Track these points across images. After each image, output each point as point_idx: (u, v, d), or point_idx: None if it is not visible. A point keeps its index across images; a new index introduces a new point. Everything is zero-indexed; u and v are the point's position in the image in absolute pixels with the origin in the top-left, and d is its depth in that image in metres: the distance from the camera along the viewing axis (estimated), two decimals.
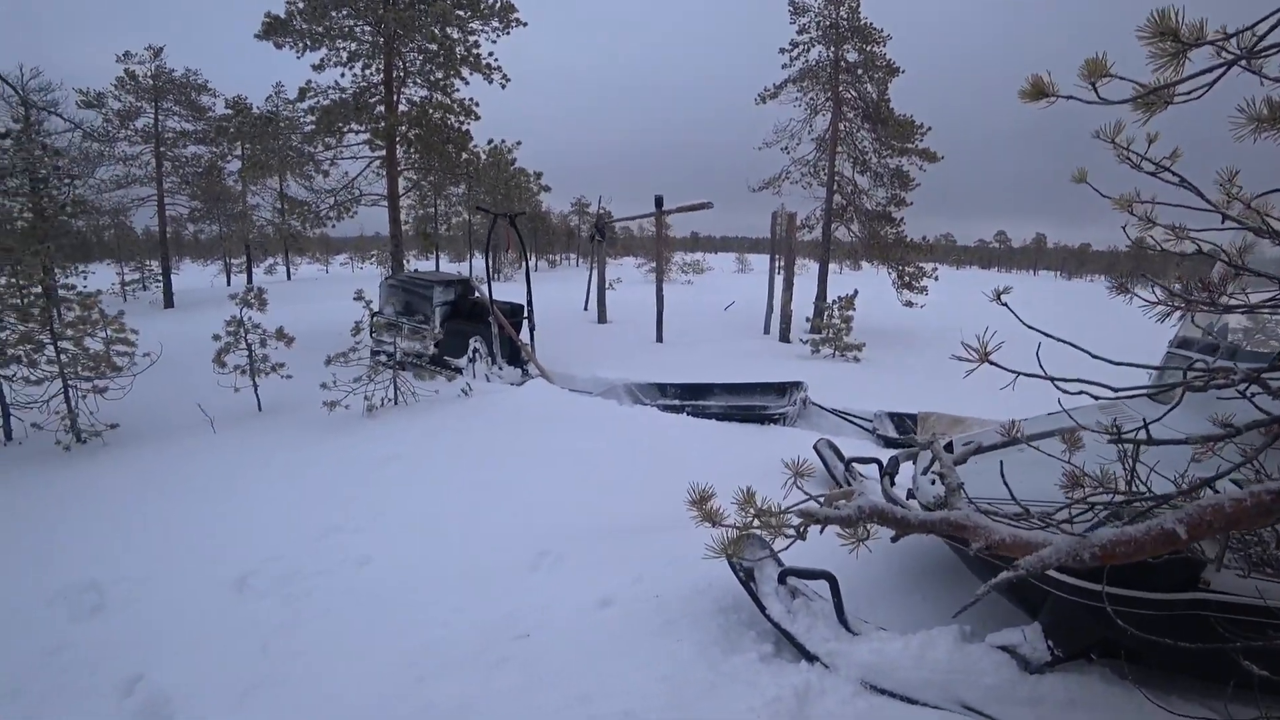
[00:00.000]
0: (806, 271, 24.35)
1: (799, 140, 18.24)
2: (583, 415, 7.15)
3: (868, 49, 17.15)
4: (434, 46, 12.93)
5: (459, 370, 9.41)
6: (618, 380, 9.89)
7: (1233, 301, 1.88)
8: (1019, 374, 1.88)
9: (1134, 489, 2.01)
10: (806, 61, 17.86)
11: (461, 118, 13.74)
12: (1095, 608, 2.30)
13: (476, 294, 11.19)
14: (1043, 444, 2.35)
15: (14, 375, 6.36)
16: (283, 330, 7.69)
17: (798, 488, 1.99)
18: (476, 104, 13.83)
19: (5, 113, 13.56)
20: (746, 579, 3.21)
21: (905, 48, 18.12)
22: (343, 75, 12.97)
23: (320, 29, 12.45)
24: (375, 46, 12.87)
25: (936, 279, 17.91)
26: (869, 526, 1.83)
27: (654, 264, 18.86)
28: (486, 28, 13.43)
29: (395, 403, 7.54)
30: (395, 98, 13.16)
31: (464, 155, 14.00)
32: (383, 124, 12.89)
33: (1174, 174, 1.81)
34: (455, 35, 13.21)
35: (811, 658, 2.88)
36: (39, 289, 6.69)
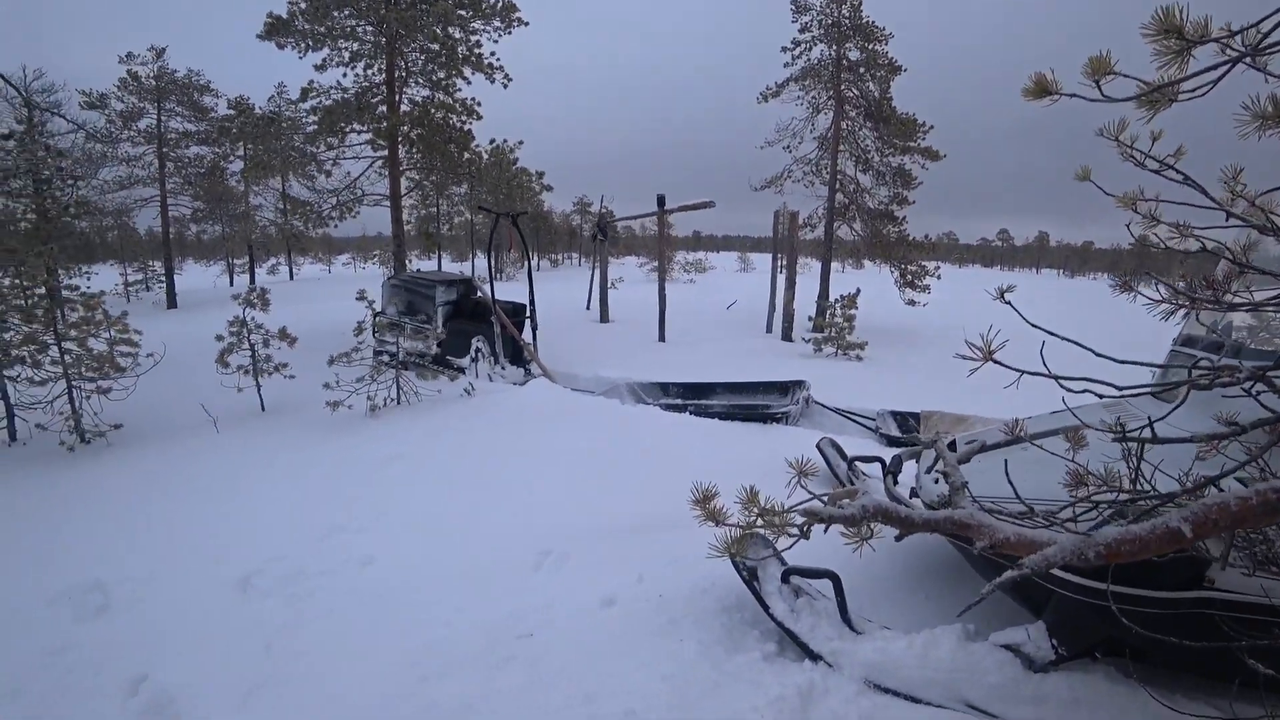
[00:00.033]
0: (809, 270, 24.34)
1: (801, 139, 18.22)
2: (585, 415, 7.15)
3: (870, 47, 17.11)
4: (436, 46, 12.94)
5: (461, 370, 9.41)
6: (620, 379, 9.89)
7: (1237, 299, 1.88)
8: (1023, 373, 1.88)
9: (1138, 488, 2.00)
10: (808, 60, 17.83)
11: (463, 117, 13.75)
12: (1100, 606, 2.30)
13: (479, 293, 11.19)
14: (1046, 442, 2.34)
15: (18, 376, 6.38)
16: (285, 330, 7.71)
17: (802, 487, 1.98)
18: (478, 104, 13.85)
19: (9, 114, 13.61)
20: (750, 578, 3.20)
21: (906, 45, 18.11)
22: (345, 75, 13.00)
23: (322, 29, 12.47)
24: (377, 46, 12.89)
25: (939, 277, 17.87)
26: (873, 526, 1.83)
27: (656, 263, 18.84)
28: (488, 27, 13.44)
29: (398, 402, 7.55)
30: (397, 98, 13.17)
31: (466, 155, 14.01)
32: (385, 124, 12.90)
33: (1178, 172, 1.80)
34: (457, 35, 13.22)
35: (815, 657, 2.88)
36: (43, 290, 6.72)
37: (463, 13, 13.00)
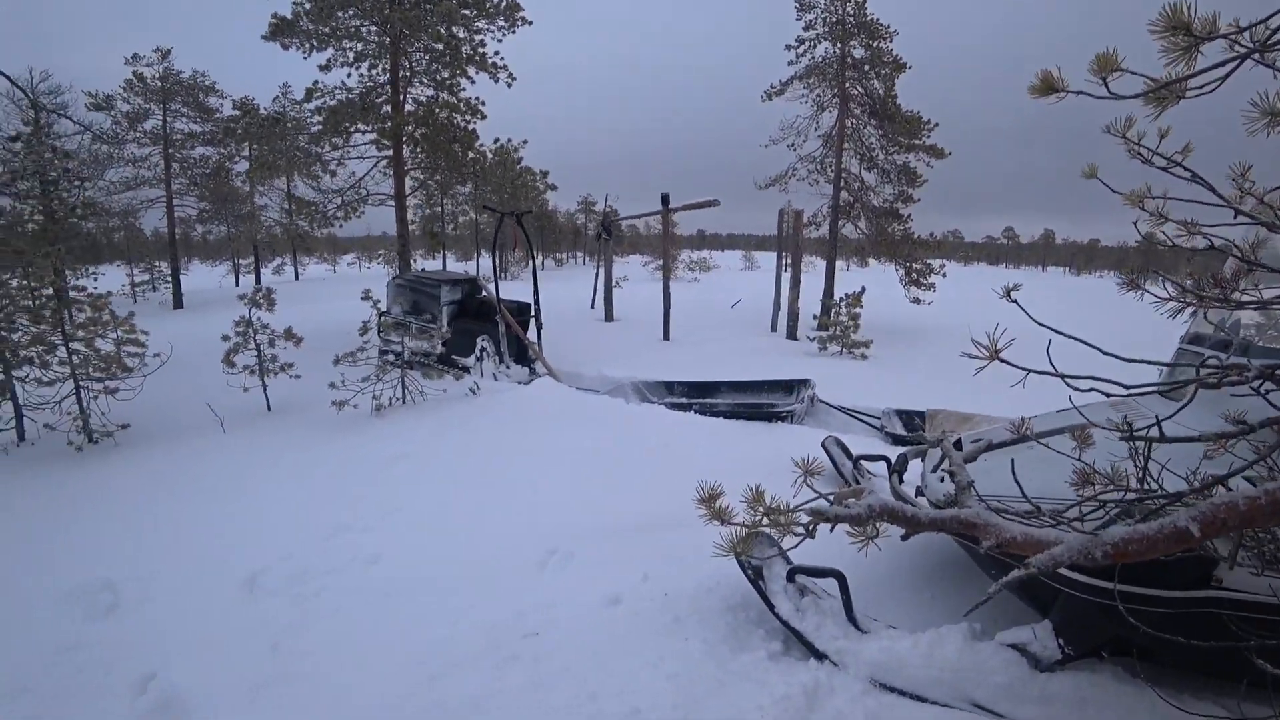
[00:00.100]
0: (814, 269, 24.31)
1: (805, 137, 18.19)
2: (590, 414, 7.16)
3: (874, 45, 17.06)
4: (440, 46, 12.94)
5: (466, 369, 9.44)
6: (625, 378, 9.90)
7: (1245, 297, 1.87)
8: (1029, 371, 1.87)
9: (1146, 487, 2.00)
10: (813, 58, 17.80)
11: (468, 117, 13.76)
12: (1107, 606, 2.29)
13: (484, 293, 11.22)
14: (1053, 441, 2.34)
15: (27, 376, 6.42)
16: (291, 330, 7.73)
17: (807, 486, 1.98)
18: (483, 103, 13.85)
19: (16, 116, 13.69)
20: (755, 577, 3.20)
21: (911, 42, 18.06)
22: (349, 75, 13.01)
23: (327, 29, 12.49)
24: (381, 46, 12.90)
25: (944, 276, 17.81)
26: (878, 525, 1.83)
27: (661, 262, 18.83)
28: (492, 26, 13.44)
29: (403, 402, 7.57)
30: (402, 97, 13.19)
31: (470, 154, 14.02)
32: (389, 124, 12.92)
33: (1186, 169, 1.79)
34: (461, 34, 13.22)
35: (820, 656, 2.87)
36: (50, 291, 6.75)
37: (467, 12, 13.00)
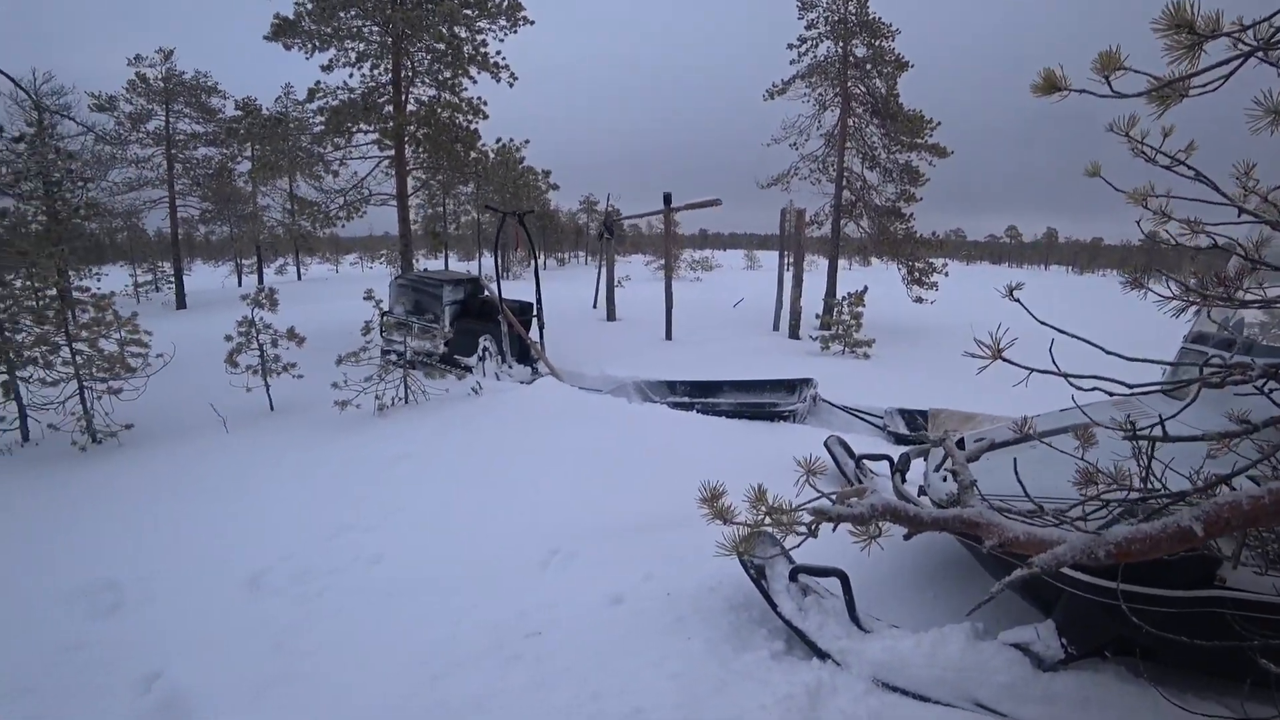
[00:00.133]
0: (816, 268, 24.28)
1: (808, 136, 18.16)
2: (592, 413, 7.16)
3: (876, 44, 17.04)
4: (442, 46, 12.96)
5: (469, 369, 9.45)
6: (627, 378, 9.90)
7: (1249, 296, 1.86)
8: (1032, 370, 1.87)
9: (1149, 486, 1.99)
10: (815, 57, 17.78)
11: (469, 117, 13.77)
12: (1110, 605, 2.29)
13: (486, 293, 11.22)
14: (1056, 440, 2.33)
15: (30, 377, 6.44)
16: (294, 330, 7.74)
17: (810, 485, 1.98)
18: (484, 103, 13.86)
19: (19, 117, 13.73)
20: (758, 576, 3.20)
21: (913, 41, 18.03)
22: (351, 75, 13.03)
23: (328, 30, 12.50)
24: (383, 46, 12.92)
25: (947, 275, 17.79)
26: (881, 524, 1.83)
27: (663, 261, 18.82)
28: (494, 26, 13.44)
29: (406, 402, 7.58)
30: (403, 97, 13.20)
31: (472, 154, 14.03)
32: (391, 124, 12.93)
33: (1189, 167, 1.79)
34: (463, 34, 13.23)
35: (823, 655, 2.87)
36: (54, 291, 6.77)
37: (469, 12, 13.01)
